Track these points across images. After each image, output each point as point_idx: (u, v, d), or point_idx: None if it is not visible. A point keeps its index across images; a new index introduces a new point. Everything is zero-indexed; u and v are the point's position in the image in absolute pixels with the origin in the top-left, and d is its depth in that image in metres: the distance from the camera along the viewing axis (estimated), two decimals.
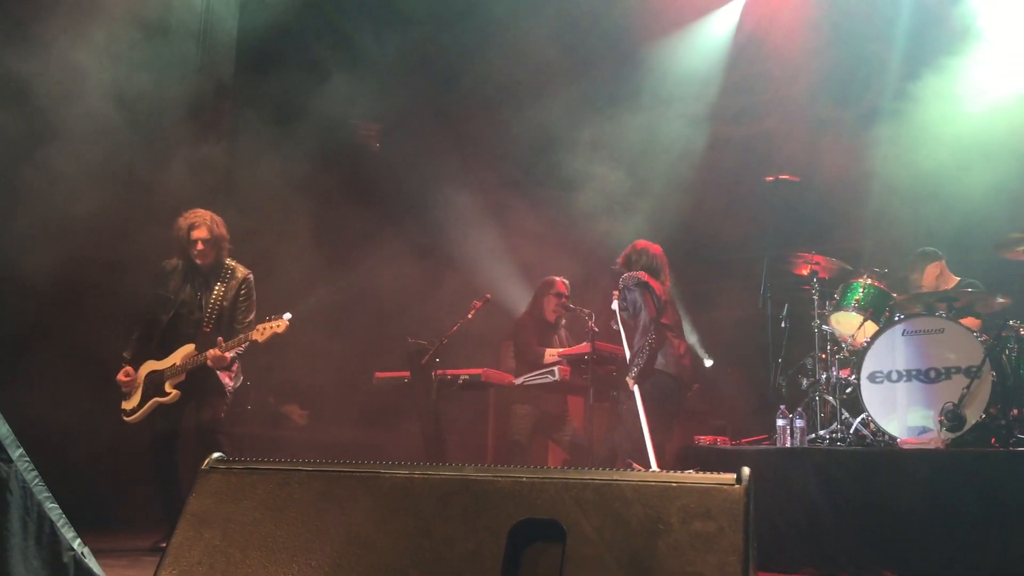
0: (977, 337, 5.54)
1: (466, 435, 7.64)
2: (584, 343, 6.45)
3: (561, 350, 6.68)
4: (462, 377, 6.75)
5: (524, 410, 6.59)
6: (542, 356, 6.63)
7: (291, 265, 7.78)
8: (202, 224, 5.52)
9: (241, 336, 5.32)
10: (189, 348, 5.39)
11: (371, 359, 7.48)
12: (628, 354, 6.01)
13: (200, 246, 5.49)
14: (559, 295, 6.83)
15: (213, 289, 5.51)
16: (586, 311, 6.49)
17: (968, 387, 5.31)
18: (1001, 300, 5.96)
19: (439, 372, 6.52)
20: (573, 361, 6.52)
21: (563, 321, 7.00)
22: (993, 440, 5.35)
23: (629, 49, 8.93)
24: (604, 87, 8.91)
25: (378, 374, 7.19)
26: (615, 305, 6.24)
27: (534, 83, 8.88)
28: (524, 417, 6.58)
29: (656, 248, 6.38)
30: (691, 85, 8.96)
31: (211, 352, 5.27)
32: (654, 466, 5.54)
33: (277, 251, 7.55)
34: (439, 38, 8.71)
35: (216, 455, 2.56)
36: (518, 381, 6.62)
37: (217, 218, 5.61)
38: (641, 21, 8.71)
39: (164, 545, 2.44)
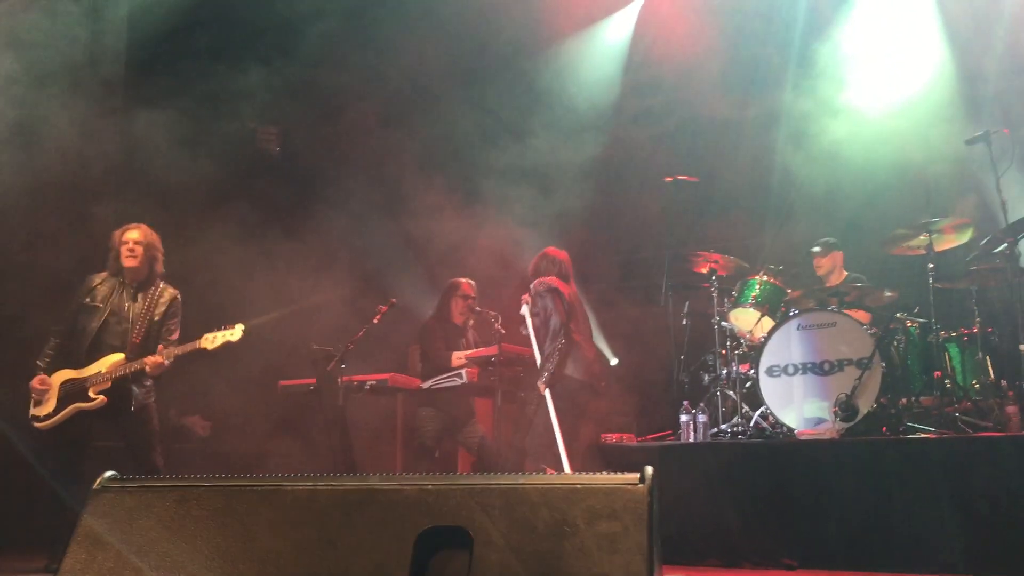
0: (867, 330, 5.75)
1: (374, 441, 7.54)
2: (492, 345, 6.45)
3: (468, 352, 6.66)
4: (369, 383, 6.69)
5: (429, 413, 6.55)
6: (449, 359, 6.60)
7: (188, 270, 7.57)
8: (136, 228, 5.50)
9: (187, 345, 5.29)
10: (118, 357, 5.28)
11: (275, 367, 7.31)
12: (539, 359, 6.06)
13: (132, 245, 5.41)
14: (465, 297, 6.81)
15: (143, 303, 5.45)
16: (492, 313, 6.49)
17: (860, 378, 5.51)
18: (889, 294, 6.20)
19: (345, 378, 6.42)
20: (481, 363, 6.51)
21: (471, 323, 6.98)
22: (884, 428, 5.57)
23: (529, 52, 8.96)
24: (505, 91, 8.93)
25: (283, 382, 7.05)
26: (524, 310, 6.28)
27: (435, 88, 8.86)
28: (429, 420, 6.55)
29: (563, 254, 6.47)
30: (591, 88, 9.06)
31: (151, 359, 5.20)
32: (567, 467, 5.58)
33: (172, 257, 7.33)
34: (343, 40, 8.58)
35: (109, 473, 2.46)
36: (425, 385, 6.58)
37: (152, 231, 5.57)
38: (539, 25, 8.75)
39: (56, 567, 2.33)
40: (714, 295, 6.68)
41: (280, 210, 8.48)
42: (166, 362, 5.24)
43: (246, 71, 8.02)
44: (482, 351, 6.60)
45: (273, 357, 7.38)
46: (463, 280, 6.89)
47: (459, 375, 6.41)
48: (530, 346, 6.22)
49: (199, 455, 7.52)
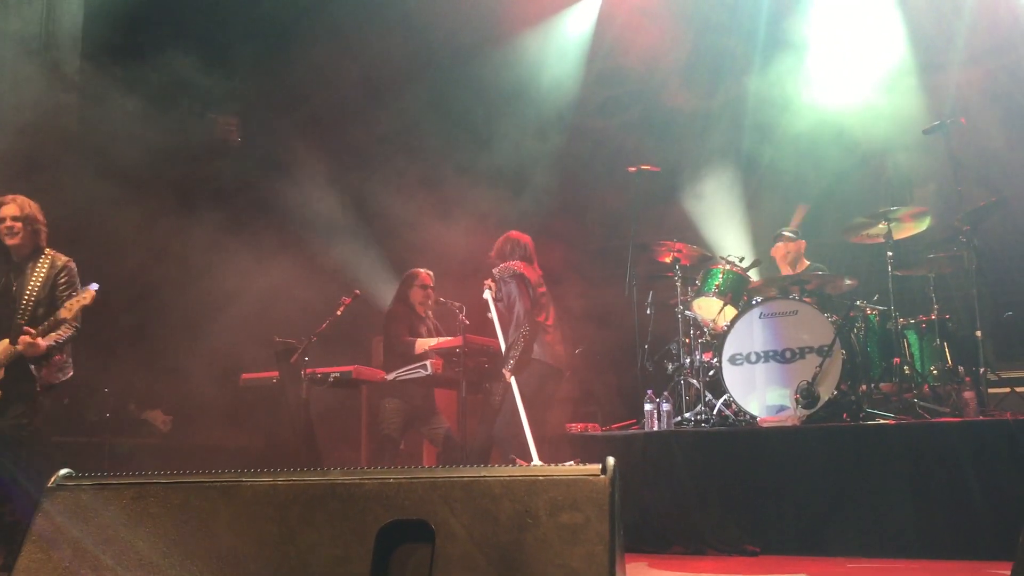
0: (828, 318, 5.81)
1: (339, 434, 7.52)
2: (456, 336, 6.43)
3: (433, 343, 6.63)
4: (333, 375, 6.62)
5: (393, 404, 6.51)
6: (412, 346, 6.56)
7: (149, 264, 7.49)
8: (11, 202, 5.12)
9: (51, 319, 4.93)
10: (3, 343, 4.96)
11: (237, 360, 7.25)
12: (503, 345, 6.02)
13: (9, 223, 5.06)
14: (424, 287, 6.78)
15: (29, 279, 5.09)
16: (456, 304, 6.46)
17: (820, 365, 5.57)
18: (848, 282, 6.28)
19: (309, 371, 6.38)
20: (445, 354, 6.48)
21: (430, 313, 6.95)
22: (844, 415, 5.63)
23: (493, 43, 8.93)
24: (469, 82, 8.89)
25: (245, 375, 6.98)
26: (487, 294, 6.23)
27: (398, 80, 8.79)
28: (394, 412, 6.51)
29: (526, 238, 6.44)
30: (557, 78, 9.05)
31: (23, 339, 4.87)
32: (534, 455, 5.57)
33: (133, 250, 7.25)
34: (301, 32, 8.50)
35: (64, 471, 2.41)
36: (390, 376, 6.53)
37: (30, 200, 5.19)
38: (503, 16, 8.72)
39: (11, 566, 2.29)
40: (678, 284, 6.71)
41: (241, 200, 8.40)
42: (41, 342, 4.90)
43: (206, 59, 7.93)
44: (447, 342, 6.57)
45: (235, 350, 7.32)
46: (421, 270, 6.86)
47: (424, 366, 6.37)
48: (494, 335, 6.20)
49: (159, 450, 7.45)
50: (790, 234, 7.07)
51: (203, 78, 7.92)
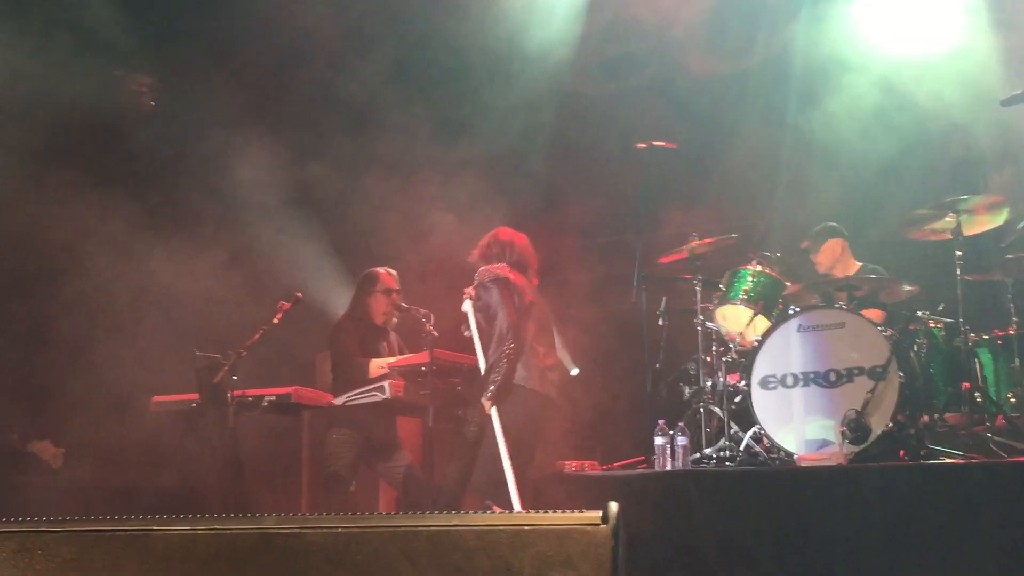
0: (882, 332, 5.83)
1: (274, 472, 7.50)
2: (421, 351, 6.43)
3: (392, 360, 6.63)
4: (267, 398, 6.62)
5: (342, 435, 6.50)
6: (366, 368, 6.56)
7: (34, 258, 7.45)
8: None
9: None
10: None
11: (147, 379, 7.22)
12: (483, 367, 5.97)
13: None
14: (387, 291, 6.76)
15: None
16: (423, 311, 6.46)
17: (872, 391, 5.60)
18: (908, 288, 6.30)
19: (237, 392, 6.37)
20: (407, 374, 6.48)
21: (394, 322, 6.94)
22: (902, 452, 5.66)
23: None
24: (443, 38, 8.84)
25: (156, 398, 6.95)
26: (467, 306, 6.18)
27: (354, 34, 8.73)
28: (343, 444, 6.50)
29: (522, 239, 6.33)
30: (546, 35, 9.02)
31: None
32: (516, 503, 5.57)
33: (13, 238, 7.22)
34: None
35: None
36: (339, 400, 6.53)
37: None
38: None
39: None
40: (697, 289, 6.74)
41: (155, 179, 8.37)
42: None
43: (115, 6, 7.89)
44: (410, 358, 6.58)
45: (144, 366, 7.30)
46: (382, 270, 6.83)
47: (381, 388, 6.37)
48: (470, 352, 6.19)
49: (49, 491, 7.40)
50: (807, 243, 7.14)
51: (110, 26, 7.87)
